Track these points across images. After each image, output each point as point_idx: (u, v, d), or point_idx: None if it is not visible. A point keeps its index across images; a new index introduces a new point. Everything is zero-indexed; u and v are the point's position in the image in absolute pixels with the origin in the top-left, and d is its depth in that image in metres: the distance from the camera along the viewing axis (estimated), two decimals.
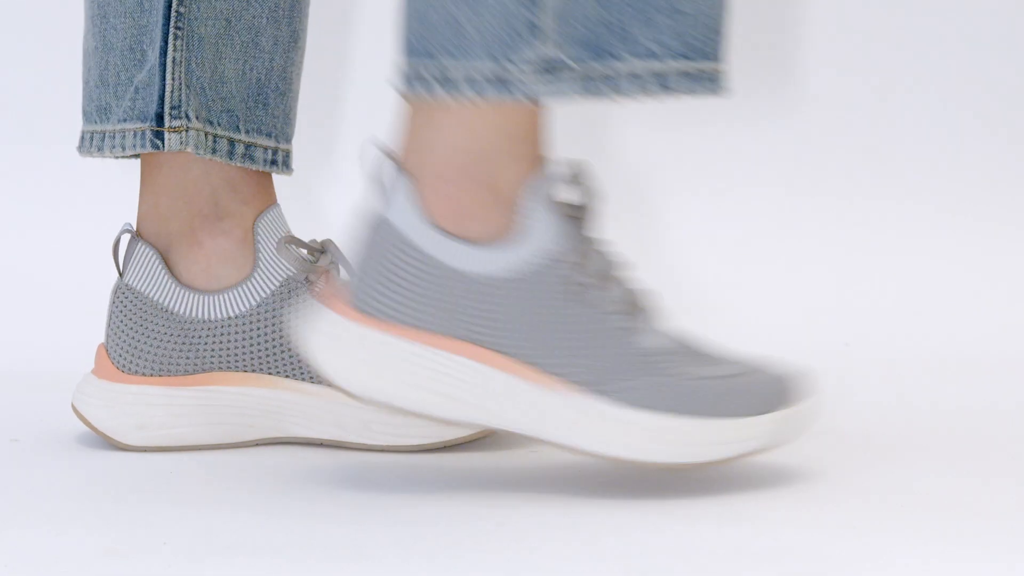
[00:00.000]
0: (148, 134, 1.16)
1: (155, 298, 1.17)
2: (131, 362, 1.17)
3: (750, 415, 1.04)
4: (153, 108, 1.16)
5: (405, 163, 1.03)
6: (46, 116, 1.77)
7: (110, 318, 1.18)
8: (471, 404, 1.04)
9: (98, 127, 1.18)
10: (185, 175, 1.17)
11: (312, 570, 0.94)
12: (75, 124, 1.24)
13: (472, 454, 1.15)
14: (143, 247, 1.16)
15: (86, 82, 1.19)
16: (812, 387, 1.06)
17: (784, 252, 1.81)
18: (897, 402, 1.42)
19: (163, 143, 1.15)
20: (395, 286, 1.03)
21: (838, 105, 1.86)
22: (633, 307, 1.05)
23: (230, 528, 1.01)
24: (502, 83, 1.01)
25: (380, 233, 1.03)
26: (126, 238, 1.19)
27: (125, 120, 1.17)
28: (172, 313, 1.17)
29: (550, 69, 1.00)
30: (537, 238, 1.02)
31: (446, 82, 1.01)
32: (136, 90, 1.17)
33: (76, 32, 1.30)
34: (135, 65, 1.17)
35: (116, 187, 1.68)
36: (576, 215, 1.04)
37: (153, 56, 1.16)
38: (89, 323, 1.57)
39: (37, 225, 1.77)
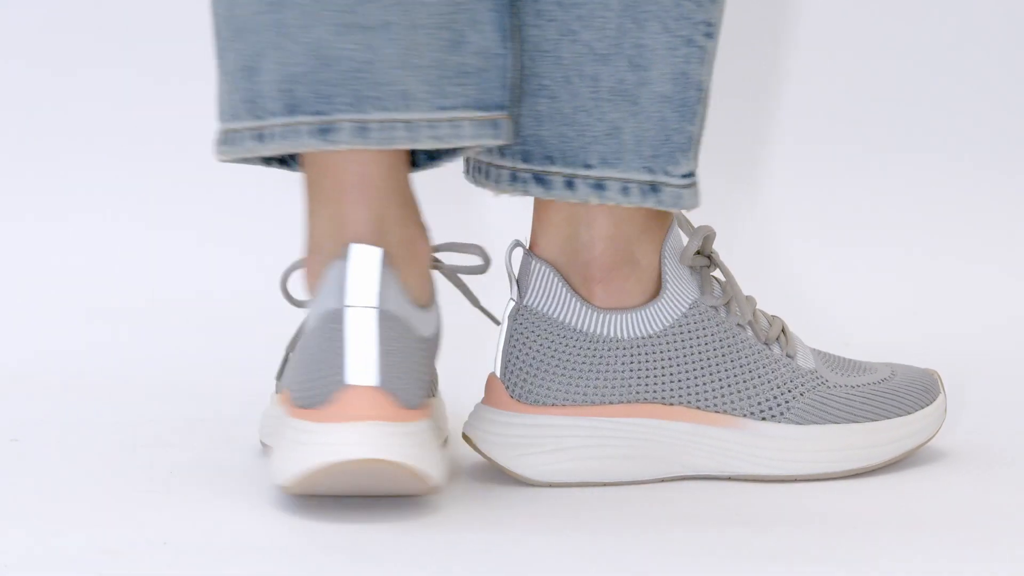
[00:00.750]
0: (486, 126, 1.06)
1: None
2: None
3: (911, 412, 1.12)
4: (495, 95, 1.07)
5: (542, 253, 1.08)
6: (38, 115, 1.79)
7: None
8: (656, 459, 1.10)
9: (399, 114, 1.03)
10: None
11: (313, 570, 0.94)
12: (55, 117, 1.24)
13: (472, 454, 1.16)
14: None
15: (369, 62, 1.02)
16: (939, 380, 1.16)
17: (785, 251, 1.83)
18: None
19: (502, 132, 1.07)
20: (554, 369, 1.07)
21: (832, 105, 1.86)
22: (783, 334, 1.12)
23: (230, 528, 1.02)
24: (654, 192, 1.07)
25: (523, 322, 1.07)
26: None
27: (453, 107, 1.04)
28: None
29: (691, 180, 1.08)
30: (682, 292, 1.08)
31: (599, 189, 1.06)
32: (460, 74, 1.05)
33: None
34: (447, 47, 1.05)
35: (114, 181, 1.71)
36: (704, 264, 1.11)
37: (483, 38, 1.05)
38: (88, 322, 1.62)
39: (36, 223, 1.77)
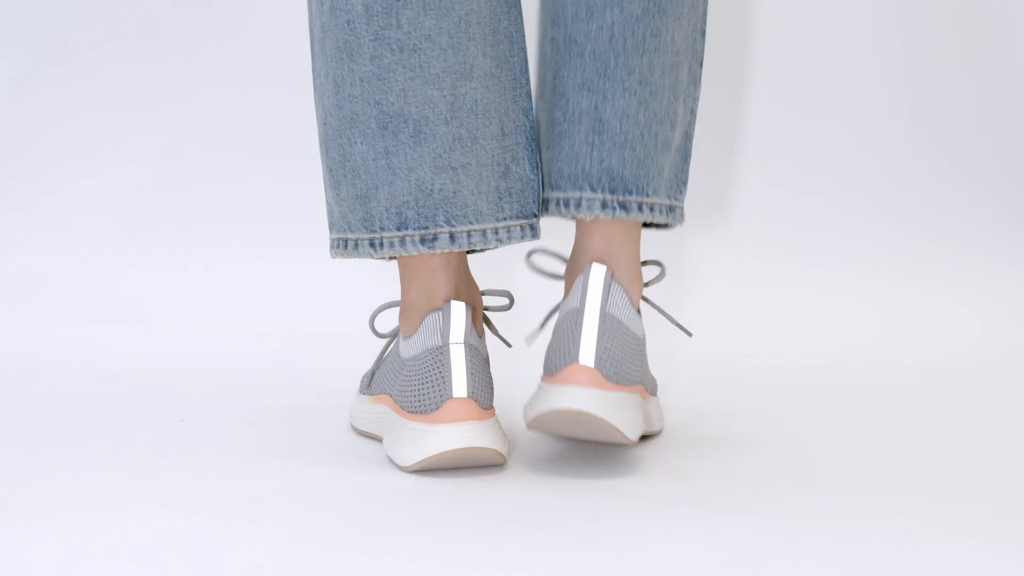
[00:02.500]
0: (527, 229, 1.28)
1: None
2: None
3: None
4: (531, 208, 1.28)
5: (611, 270, 1.25)
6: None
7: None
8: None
9: (475, 226, 1.25)
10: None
11: (383, 514, 1.09)
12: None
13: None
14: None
15: (455, 192, 1.25)
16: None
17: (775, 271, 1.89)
18: (886, 411, 1.53)
19: (537, 233, 1.29)
20: (624, 358, 1.23)
21: (819, 124, 1.92)
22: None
23: (330, 480, 1.19)
24: (671, 212, 1.28)
25: (609, 323, 1.22)
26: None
27: (507, 219, 1.26)
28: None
29: (680, 208, 1.30)
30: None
31: (651, 210, 1.25)
32: (509, 195, 1.27)
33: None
34: (500, 176, 1.26)
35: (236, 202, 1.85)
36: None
37: (521, 169, 1.27)
38: (223, 335, 1.77)
39: (195, 258, 1.90)
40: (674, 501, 1.16)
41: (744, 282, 1.91)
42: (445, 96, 1.24)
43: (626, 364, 1.22)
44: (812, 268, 1.91)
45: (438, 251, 1.26)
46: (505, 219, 1.27)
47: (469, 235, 1.27)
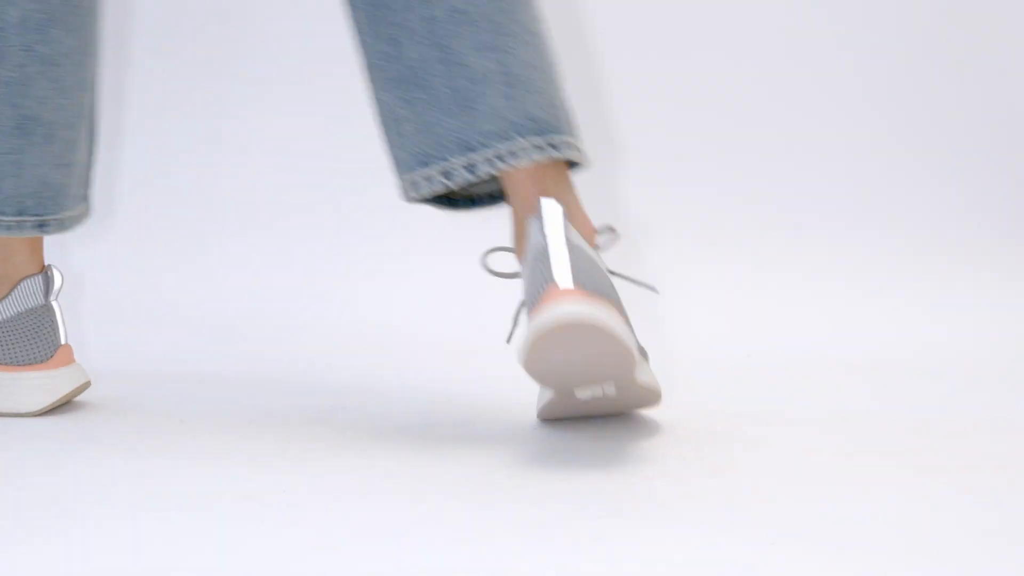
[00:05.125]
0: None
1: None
2: None
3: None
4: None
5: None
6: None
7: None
8: None
9: (70, 213, 1.46)
10: None
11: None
12: None
13: (477, 441, 1.33)
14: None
15: (63, 187, 1.46)
16: None
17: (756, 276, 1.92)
18: (888, 411, 1.53)
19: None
20: (601, 279, 1.24)
21: (791, 147, 1.97)
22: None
23: (326, 479, 1.20)
24: (580, 151, 1.30)
25: (576, 250, 1.23)
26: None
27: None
28: None
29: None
30: None
31: (576, 149, 1.30)
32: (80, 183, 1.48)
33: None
34: (67, 172, 1.44)
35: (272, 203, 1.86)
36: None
37: (83, 168, 1.48)
38: (225, 337, 1.79)
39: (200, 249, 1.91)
40: (674, 501, 1.17)
41: (745, 281, 1.93)
42: (73, 104, 1.42)
43: (603, 283, 1.23)
44: (813, 268, 1.93)
45: (48, 234, 1.46)
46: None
47: (64, 222, 1.48)
